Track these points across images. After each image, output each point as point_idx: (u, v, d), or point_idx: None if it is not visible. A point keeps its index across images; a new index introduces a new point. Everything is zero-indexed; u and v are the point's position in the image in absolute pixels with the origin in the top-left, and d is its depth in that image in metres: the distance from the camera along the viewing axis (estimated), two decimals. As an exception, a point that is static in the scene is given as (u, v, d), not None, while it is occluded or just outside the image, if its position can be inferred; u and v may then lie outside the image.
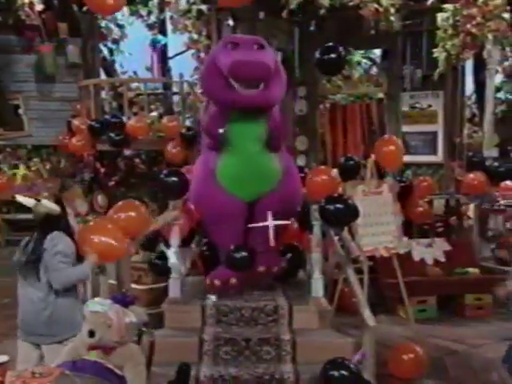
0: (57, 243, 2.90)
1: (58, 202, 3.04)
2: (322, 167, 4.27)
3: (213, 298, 3.55)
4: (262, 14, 6.08)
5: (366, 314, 3.04)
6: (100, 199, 6.51)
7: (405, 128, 6.70)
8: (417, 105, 6.80)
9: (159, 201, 5.79)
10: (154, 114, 7.73)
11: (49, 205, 2.93)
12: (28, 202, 2.97)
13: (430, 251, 4.87)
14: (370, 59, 7.75)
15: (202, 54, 7.69)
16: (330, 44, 3.85)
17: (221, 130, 3.55)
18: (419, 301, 5.12)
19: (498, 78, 8.65)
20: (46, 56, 7.08)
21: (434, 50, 5.37)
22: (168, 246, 3.72)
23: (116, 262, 3.24)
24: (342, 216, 3.40)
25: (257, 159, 3.57)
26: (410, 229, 5.09)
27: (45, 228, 2.93)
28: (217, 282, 3.65)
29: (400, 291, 4.15)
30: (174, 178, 3.65)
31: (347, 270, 3.36)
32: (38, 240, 2.92)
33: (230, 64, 3.37)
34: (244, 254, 3.54)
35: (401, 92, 6.70)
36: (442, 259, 4.79)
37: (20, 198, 3.05)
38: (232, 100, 3.48)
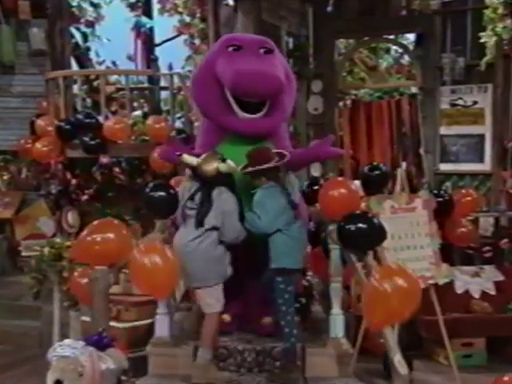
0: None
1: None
2: (341, 178, 4.31)
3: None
4: (268, -9, 6.18)
5: (397, 359, 3.06)
6: (70, 217, 6.55)
7: (443, 130, 6.75)
8: (459, 101, 6.84)
9: (143, 219, 5.83)
10: (138, 113, 7.81)
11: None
12: (191, 160, 3.48)
13: (476, 282, 4.89)
14: (401, 46, 7.81)
15: (196, 41, 7.79)
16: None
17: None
18: (464, 343, 5.11)
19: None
20: (4, 41, 7.12)
21: (481, 33, 5.43)
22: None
23: (90, 294, 3.28)
24: (366, 238, 3.43)
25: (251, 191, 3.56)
26: (451, 254, 5.10)
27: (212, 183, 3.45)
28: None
29: (439, 331, 4.16)
30: (162, 192, 3.70)
31: (373, 304, 3.37)
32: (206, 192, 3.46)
33: (232, 74, 3.37)
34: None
35: (439, 86, 6.76)
36: (492, 292, 4.81)
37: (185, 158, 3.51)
38: (226, 124, 3.55)
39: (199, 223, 3.43)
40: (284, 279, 3.42)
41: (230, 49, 3.51)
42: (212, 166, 3.40)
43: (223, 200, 3.43)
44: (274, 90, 3.42)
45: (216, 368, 3.43)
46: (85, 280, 3.65)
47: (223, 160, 3.43)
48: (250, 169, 3.43)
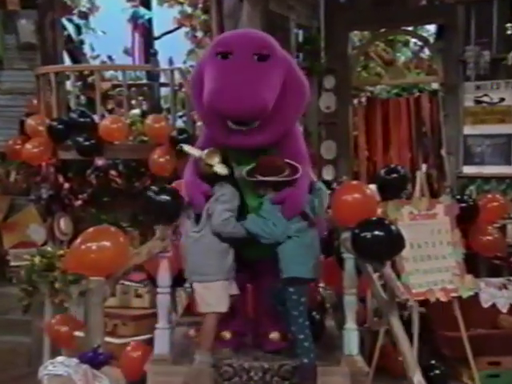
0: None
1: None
2: (356, 182, 4.30)
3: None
4: (276, -21, 6.21)
5: (417, 379, 3.05)
6: (63, 224, 6.58)
7: (467, 130, 6.74)
8: (484, 98, 6.84)
9: (142, 226, 5.85)
10: (136, 111, 7.85)
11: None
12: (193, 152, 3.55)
13: (503, 295, 4.86)
14: (421, 38, 7.81)
15: (199, 34, 7.83)
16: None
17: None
18: (490, 362, 5.07)
19: None
20: (-10, 34, 7.17)
21: (508, 24, 5.43)
22: (154, 285, 3.76)
23: (84, 307, 3.29)
24: (383, 247, 3.42)
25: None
26: (476, 264, 5.09)
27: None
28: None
29: (463, 349, 4.15)
30: (163, 197, 3.71)
31: (391, 318, 3.37)
32: None
33: (207, 92, 3.23)
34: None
35: (462, 82, 6.76)
36: (521, 306, 4.79)
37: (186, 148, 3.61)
38: (216, 135, 3.49)
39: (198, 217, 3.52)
40: (296, 290, 3.42)
41: (219, 57, 3.32)
42: (215, 162, 3.47)
43: (221, 189, 3.50)
44: (253, 113, 3.23)
45: (214, 375, 3.42)
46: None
47: (224, 159, 3.47)
48: (258, 178, 3.44)
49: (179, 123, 7.27)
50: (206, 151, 3.48)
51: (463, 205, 4.61)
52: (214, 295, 3.46)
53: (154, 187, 3.79)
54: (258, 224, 3.42)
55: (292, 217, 3.46)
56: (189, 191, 3.66)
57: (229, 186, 3.51)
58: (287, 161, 3.49)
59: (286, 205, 3.47)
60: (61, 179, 6.65)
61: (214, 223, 3.44)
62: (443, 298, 4.08)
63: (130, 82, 8.07)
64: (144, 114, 7.43)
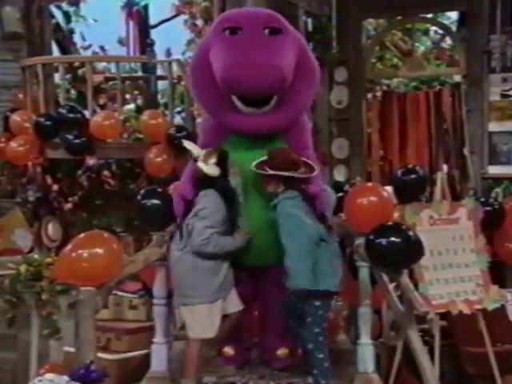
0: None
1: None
2: (370, 183, 4.31)
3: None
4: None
5: (438, 397, 3.06)
6: (51, 229, 6.60)
7: (492, 126, 6.74)
8: (511, 92, 6.84)
9: (137, 231, 5.87)
10: (130, 106, 7.88)
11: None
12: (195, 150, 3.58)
13: (532, 307, 4.86)
14: (442, 26, 7.82)
15: (199, 22, 7.84)
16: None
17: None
18: (518, 380, 5.09)
19: None
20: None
21: (537, 10, 5.43)
22: (150, 295, 3.78)
23: (75, 320, 3.31)
24: (400, 254, 3.43)
25: (264, 201, 3.56)
26: (502, 274, 5.08)
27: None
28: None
29: (489, 366, 4.14)
30: (159, 200, 3.73)
31: (409, 332, 3.38)
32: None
33: (220, 68, 3.30)
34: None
35: (487, 74, 6.75)
36: (552, 319, 4.78)
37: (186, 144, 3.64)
38: (227, 121, 3.53)
39: (181, 229, 3.51)
40: (323, 304, 3.42)
41: (227, 32, 3.44)
42: (208, 165, 3.48)
43: (204, 198, 3.47)
44: (273, 85, 3.31)
45: None
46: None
47: (224, 159, 3.48)
48: (269, 171, 3.39)
49: (178, 120, 7.30)
50: (204, 151, 3.51)
51: (488, 208, 4.60)
52: (198, 320, 3.42)
53: (145, 190, 3.82)
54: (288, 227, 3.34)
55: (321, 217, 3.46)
56: (173, 192, 3.70)
57: (214, 194, 3.47)
58: (303, 159, 3.50)
59: (317, 202, 3.48)
60: (49, 180, 6.66)
61: (193, 243, 3.42)
62: (466, 311, 4.08)
63: (124, 75, 8.09)
64: (139, 110, 7.46)
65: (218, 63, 3.36)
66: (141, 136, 6.56)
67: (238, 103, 3.45)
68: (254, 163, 3.46)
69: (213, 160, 3.47)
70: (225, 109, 3.50)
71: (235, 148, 3.58)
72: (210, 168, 3.46)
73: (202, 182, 3.52)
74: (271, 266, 3.59)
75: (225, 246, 3.42)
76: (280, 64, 3.29)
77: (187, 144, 3.64)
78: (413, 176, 4.39)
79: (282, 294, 3.45)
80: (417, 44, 8.97)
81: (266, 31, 3.42)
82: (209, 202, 3.45)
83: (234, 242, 3.46)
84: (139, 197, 3.78)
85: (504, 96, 6.81)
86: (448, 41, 8.12)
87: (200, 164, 3.46)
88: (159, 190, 3.91)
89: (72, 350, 3.36)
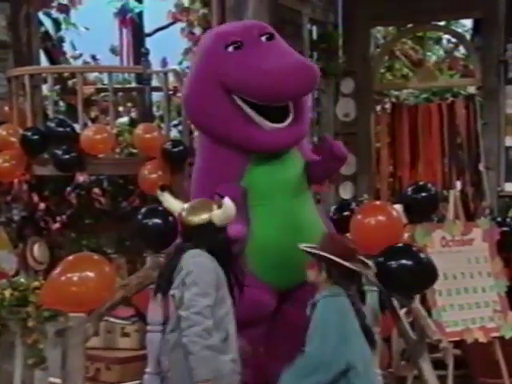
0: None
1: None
2: (379, 202, 4.30)
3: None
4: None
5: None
6: (37, 250, 6.59)
7: (509, 140, 6.75)
8: (529, 104, 6.87)
9: (130, 253, 5.86)
10: (124, 119, 7.89)
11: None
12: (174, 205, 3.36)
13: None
14: (455, 35, 7.86)
15: (196, 30, 7.87)
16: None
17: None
18: (538, 414, 5.06)
19: None
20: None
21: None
22: (144, 322, 3.76)
23: (62, 349, 3.30)
24: (411, 278, 3.42)
25: (298, 217, 3.63)
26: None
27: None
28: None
29: (506, 398, 4.13)
30: (155, 219, 3.73)
31: (420, 362, 3.36)
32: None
33: (259, 77, 3.39)
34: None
35: (503, 85, 6.78)
36: None
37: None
38: (253, 138, 3.56)
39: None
40: None
41: (231, 48, 3.56)
42: (199, 217, 3.17)
43: (191, 263, 3.10)
44: (313, 84, 3.53)
45: None
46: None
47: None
48: (319, 252, 3.16)
49: (174, 133, 7.30)
50: (190, 204, 3.27)
51: (505, 229, 4.60)
52: None
53: (143, 208, 3.81)
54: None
55: None
56: None
57: (204, 254, 3.12)
58: (360, 257, 3.31)
59: None
60: (35, 198, 6.67)
61: (184, 333, 2.99)
62: (482, 339, 4.07)
63: (117, 86, 8.12)
64: (133, 123, 7.46)
65: (247, 76, 3.44)
66: (134, 151, 6.56)
67: (257, 118, 3.55)
68: (304, 246, 3.27)
69: (206, 214, 3.15)
70: (245, 128, 3.57)
71: (262, 165, 3.65)
72: (224, 211, 3.12)
73: (192, 235, 3.20)
74: (295, 286, 3.59)
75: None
76: (309, 62, 3.61)
77: (167, 199, 3.43)
78: (424, 194, 4.39)
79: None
80: (428, 53, 9.00)
81: (263, 38, 3.60)
82: (204, 265, 3.09)
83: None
84: (140, 216, 3.77)
85: (522, 109, 6.85)
86: (462, 50, 8.15)
87: (211, 214, 3.14)
88: (161, 208, 3.91)
89: (58, 381, 3.34)
